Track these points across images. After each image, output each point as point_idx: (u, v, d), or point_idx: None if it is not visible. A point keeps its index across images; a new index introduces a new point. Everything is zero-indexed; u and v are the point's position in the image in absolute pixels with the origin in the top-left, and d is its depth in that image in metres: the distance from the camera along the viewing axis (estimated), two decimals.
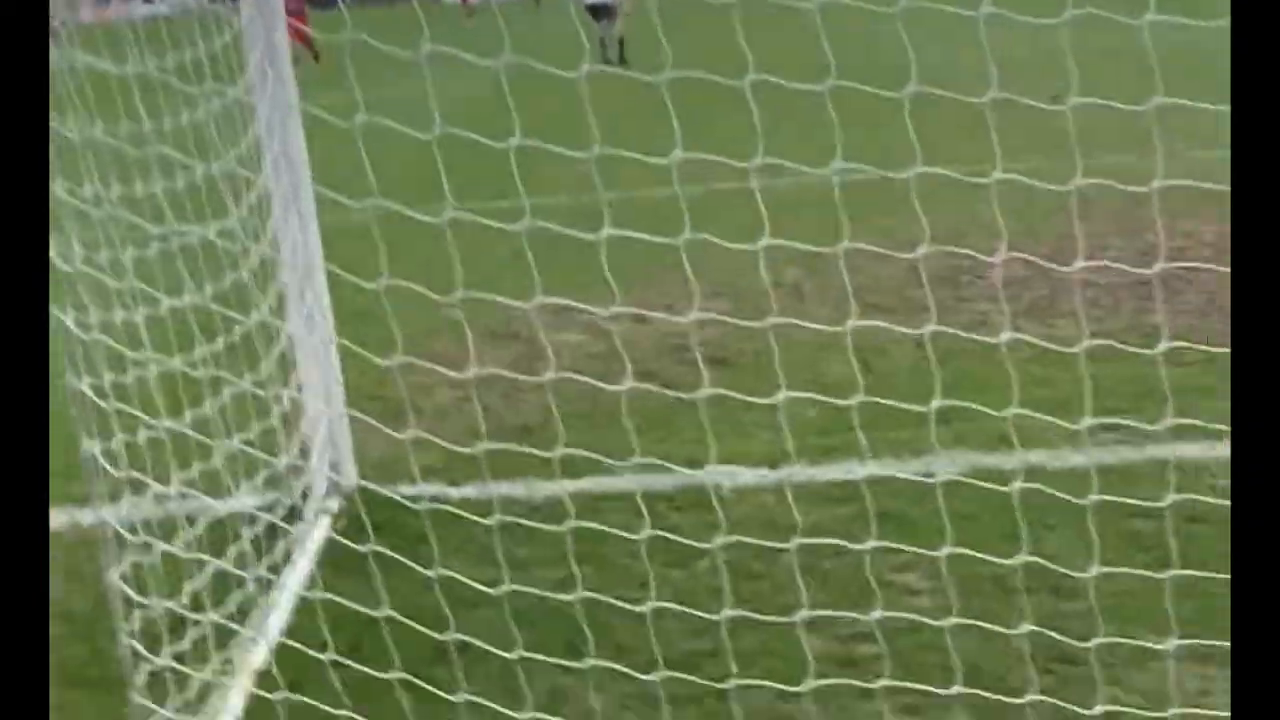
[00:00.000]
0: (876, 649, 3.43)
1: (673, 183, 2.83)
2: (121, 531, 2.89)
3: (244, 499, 3.80)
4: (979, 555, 3.42)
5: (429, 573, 3.50)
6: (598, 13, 21.32)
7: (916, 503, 4.12)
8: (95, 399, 2.85)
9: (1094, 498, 3.11)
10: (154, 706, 2.96)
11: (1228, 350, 2.38)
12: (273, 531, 3.96)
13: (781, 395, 3.88)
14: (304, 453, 4.36)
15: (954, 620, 3.16)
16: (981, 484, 3.68)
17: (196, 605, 3.15)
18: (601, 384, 4.27)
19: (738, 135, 3.28)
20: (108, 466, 2.88)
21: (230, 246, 3.83)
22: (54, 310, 2.70)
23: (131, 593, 2.91)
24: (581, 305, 7.16)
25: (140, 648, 2.95)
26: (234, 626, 3.39)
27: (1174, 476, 4.31)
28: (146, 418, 3.13)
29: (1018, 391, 5.09)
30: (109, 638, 4.00)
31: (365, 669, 3.33)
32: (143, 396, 3.12)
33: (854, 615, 3.47)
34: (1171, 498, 3.46)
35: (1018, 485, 3.36)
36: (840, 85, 2.94)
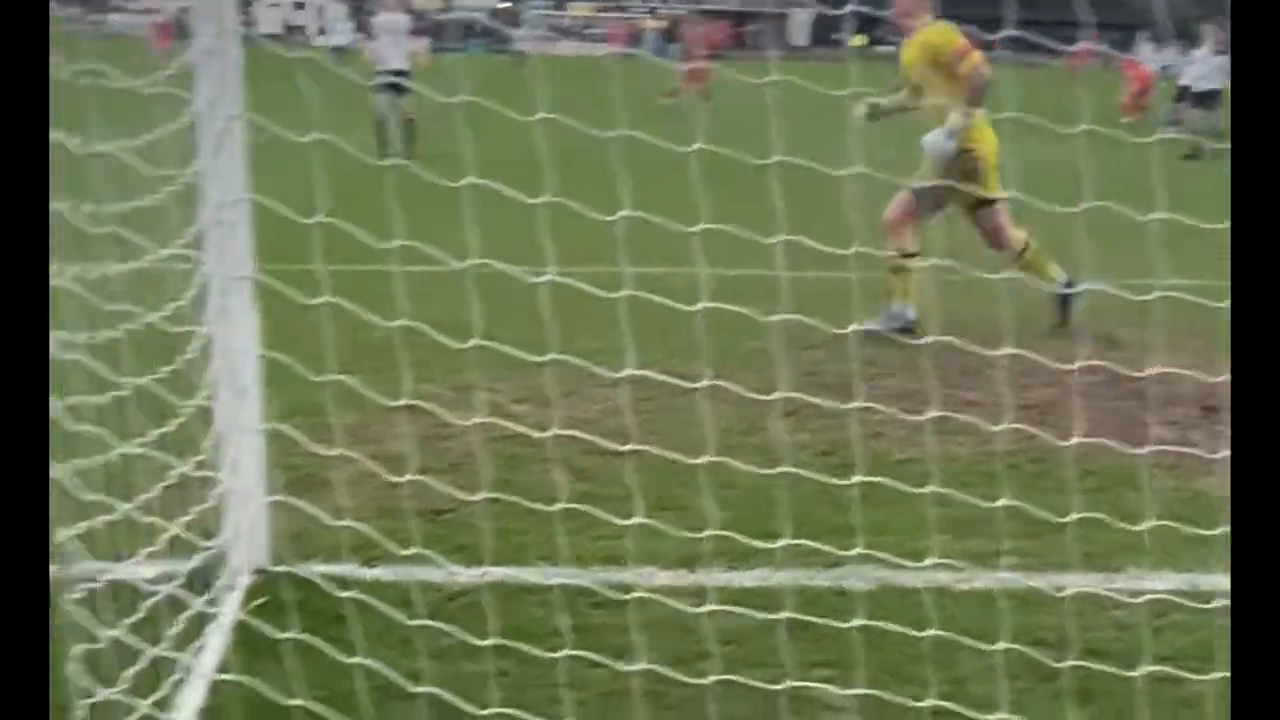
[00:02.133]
0: None
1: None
2: (78, 617, 2.82)
3: (158, 572, 3.73)
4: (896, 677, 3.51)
5: (350, 661, 3.47)
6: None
7: (833, 614, 4.22)
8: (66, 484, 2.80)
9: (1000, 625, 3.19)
10: None
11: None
12: (184, 609, 3.89)
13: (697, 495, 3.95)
14: (215, 529, 4.29)
15: None
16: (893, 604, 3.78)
17: (134, 690, 3.08)
18: (510, 476, 4.28)
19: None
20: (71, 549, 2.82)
21: (173, 330, 3.81)
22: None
23: (84, 683, 2.84)
24: (489, 387, 7.19)
25: None
26: (160, 717, 3.32)
27: (1074, 606, 4.51)
28: (105, 497, 3.08)
29: (925, 509, 5.28)
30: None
31: None
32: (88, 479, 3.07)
33: None
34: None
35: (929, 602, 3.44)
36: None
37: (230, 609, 4.27)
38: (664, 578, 4.67)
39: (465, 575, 4.67)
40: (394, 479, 4.32)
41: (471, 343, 3.55)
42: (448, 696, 3.50)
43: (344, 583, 4.30)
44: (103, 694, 2.92)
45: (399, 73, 18.26)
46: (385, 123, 18.62)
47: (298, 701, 3.50)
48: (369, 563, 4.78)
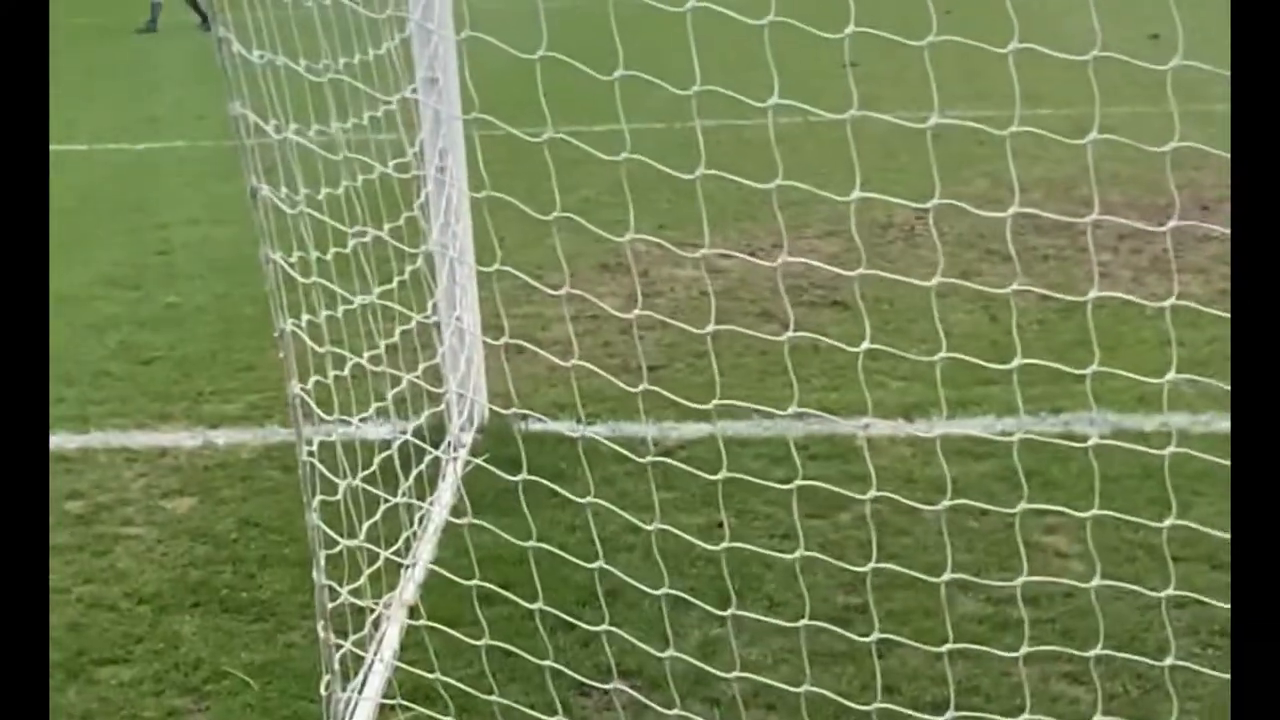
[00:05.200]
0: (1032, 613, 3.42)
1: (769, 117, 2.71)
2: (323, 470, 2.91)
3: (391, 429, 3.82)
4: (1128, 519, 3.38)
5: (580, 500, 3.49)
6: None
7: (1058, 462, 4.08)
8: (307, 339, 2.87)
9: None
10: (341, 642, 3.00)
11: None
12: (413, 465, 3.98)
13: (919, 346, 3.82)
14: (442, 383, 4.37)
15: (1106, 584, 3.12)
16: (1125, 445, 3.62)
17: (371, 538, 3.18)
18: (729, 326, 4.20)
19: (828, 71, 3.17)
20: (312, 404, 2.90)
21: (402, 180, 3.83)
22: (274, 253, 2.71)
23: (329, 531, 2.94)
24: (693, 241, 7.14)
25: (335, 585, 2.99)
26: (399, 560, 3.43)
27: None
28: (347, 353, 3.17)
29: (1152, 351, 5.06)
30: (256, 564, 4.08)
31: (517, 604, 3.35)
32: (332, 333, 3.15)
33: (1004, 581, 3.46)
34: None
35: (1170, 450, 3.27)
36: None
37: (455, 465, 4.37)
38: (882, 428, 4.59)
39: (679, 430, 4.68)
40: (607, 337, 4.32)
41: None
42: (666, 547, 3.51)
43: (563, 438, 4.35)
44: (344, 543, 3.02)
45: None
46: None
47: (529, 544, 3.55)
48: (585, 420, 4.82)
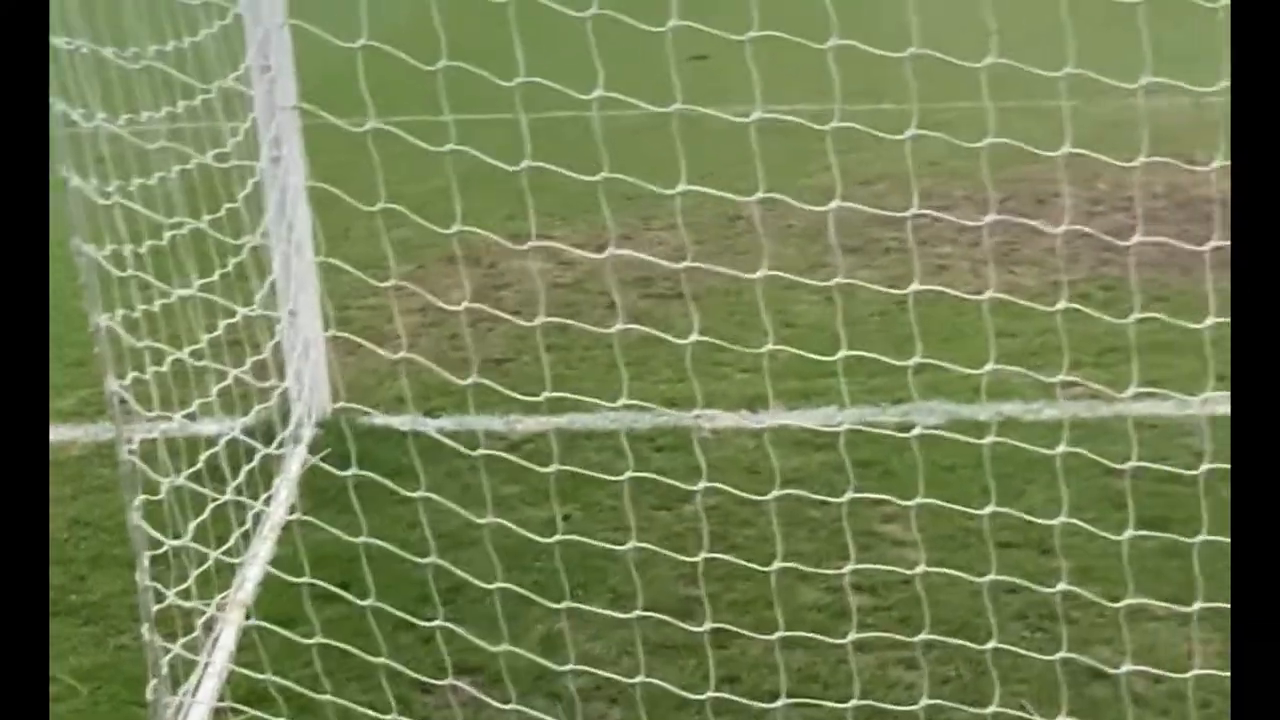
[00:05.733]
0: (869, 600, 3.49)
1: (608, 108, 2.71)
2: (145, 469, 2.82)
3: (228, 425, 3.73)
4: (962, 509, 3.45)
5: (424, 495, 3.45)
6: None
7: (896, 451, 4.16)
8: (123, 332, 2.78)
9: (1064, 450, 3.11)
10: (169, 645, 2.92)
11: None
12: (248, 460, 3.89)
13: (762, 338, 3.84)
14: (281, 377, 4.28)
15: (938, 570, 3.19)
16: (959, 437, 3.70)
17: (201, 538, 3.10)
18: (575, 322, 4.22)
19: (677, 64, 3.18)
20: (130, 400, 2.81)
21: (224, 170, 3.72)
22: (87, 246, 2.62)
23: (153, 532, 2.85)
24: (544, 232, 7.11)
25: (161, 587, 2.90)
26: (231, 560, 3.35)
27: (1147, 435, 4.42)
28: (168, 348, 3.07)
29: (987, 342, 5.18)
30: (87, 564, 3.95)
31: (356, 604, 3.30)
32: (154, 327, 3.05)
33: (845, 568, 3.52)
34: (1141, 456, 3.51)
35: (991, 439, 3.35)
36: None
37: (295, 460, 4.29)
38: (727, 419, 4.63)
39: (526, 423, 4.65)
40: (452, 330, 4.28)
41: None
42: (510, 542, 3.49)
43: (405, 434, 4.29)
44: (169, 544, 2.93)
45: None
46: None
47: (365, 541, 3.49)
48: (430, 413, 4.78)
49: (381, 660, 3.02)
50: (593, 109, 2.62)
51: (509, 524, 3.20)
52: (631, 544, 2.93)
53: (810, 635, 3.20)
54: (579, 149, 2.96)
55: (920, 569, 3.05)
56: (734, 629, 3.18)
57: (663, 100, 2.84)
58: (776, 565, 2.91)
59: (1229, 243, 2.40)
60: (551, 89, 2.77)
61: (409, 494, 3.16)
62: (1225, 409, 4.65)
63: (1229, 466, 3.43)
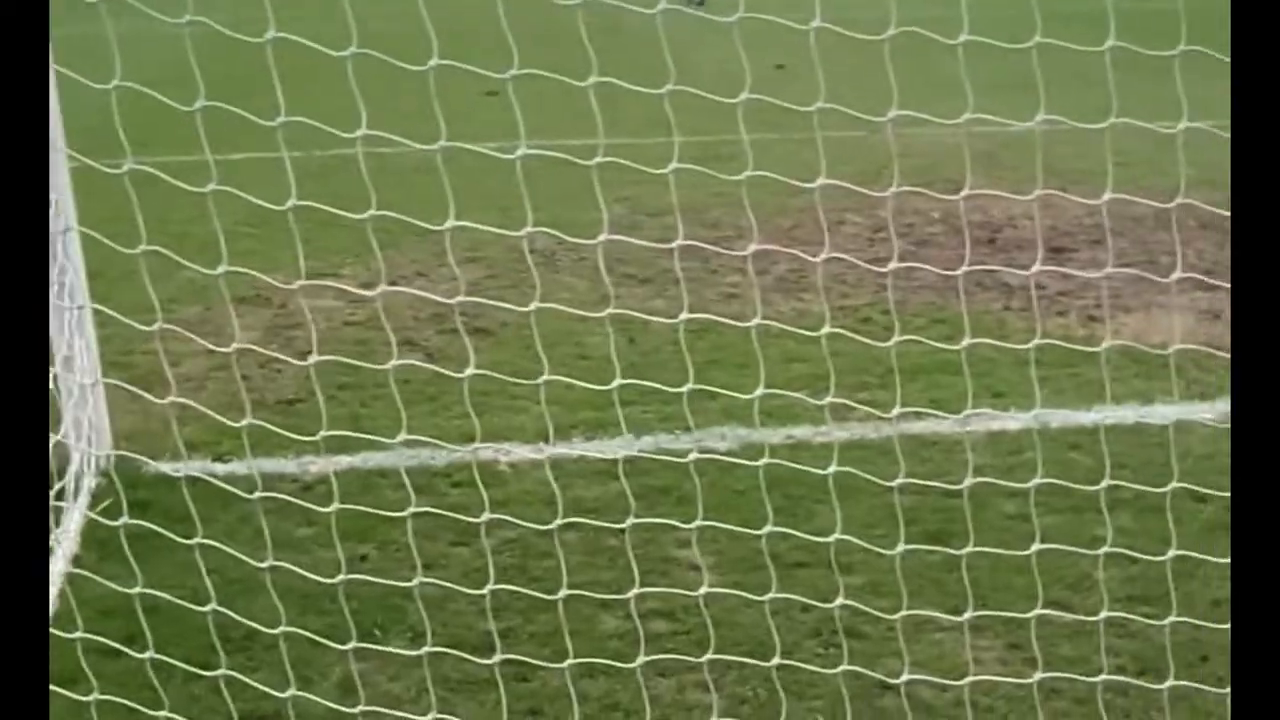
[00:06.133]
0: (667, 625, 3.53)
1: (399, 141, 2.73)
2: None
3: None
4: (755, 531, 3.52)
5: (201, 542, 3.36)
6: None
7: (689, 477, 4.22)
8: None
9: (835, 469, 3.21)
10: None
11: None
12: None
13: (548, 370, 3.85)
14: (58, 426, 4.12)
15: (740, 595, 3.26)
16: (749, 463, 3.77)
17: None
18: (363, 363, 4.16)
19: (470, 99, 3.21)
20: None
21: None
22: None
23: None
24: (335, 270, 7.01)
25: None
26: None
27: (931, 452, 4.59)
28: None
29: (777, 367, 5.31)
30: None
31: (144, 657, 3.20)
32: None
33: (645, 591, 3.57)
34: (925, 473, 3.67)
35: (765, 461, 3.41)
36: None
37: (75, 512, 4.13)
38: (524, 452, 4.63)
39: (319, 464, 4.58)
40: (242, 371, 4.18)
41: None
42: (306, 585, 3.42)
43: (194, 479, 4.18)
44: None
45: None
46: None
47: (142, 592, 3.39)
48: (219, 458, 4.66)
49: (164, 714, 2.93)
50: (356, 146, 2.60)
51: (291, 566, 3.14)
52: (418, 579, 2.90)
53: (611, 663, 3.22)
54: (371, 184, 2.95)
55: (704, 590, 3.10)
56: (533, 661, 3.18)
57: (458, 135, 2.85)
58: (564, 594, 2.92)
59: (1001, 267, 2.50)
60: (336, 124, 2.75)
61: (193, 541, 3.07)
62: (998, 425, 4.87)
63: (997, 481, 3.59)
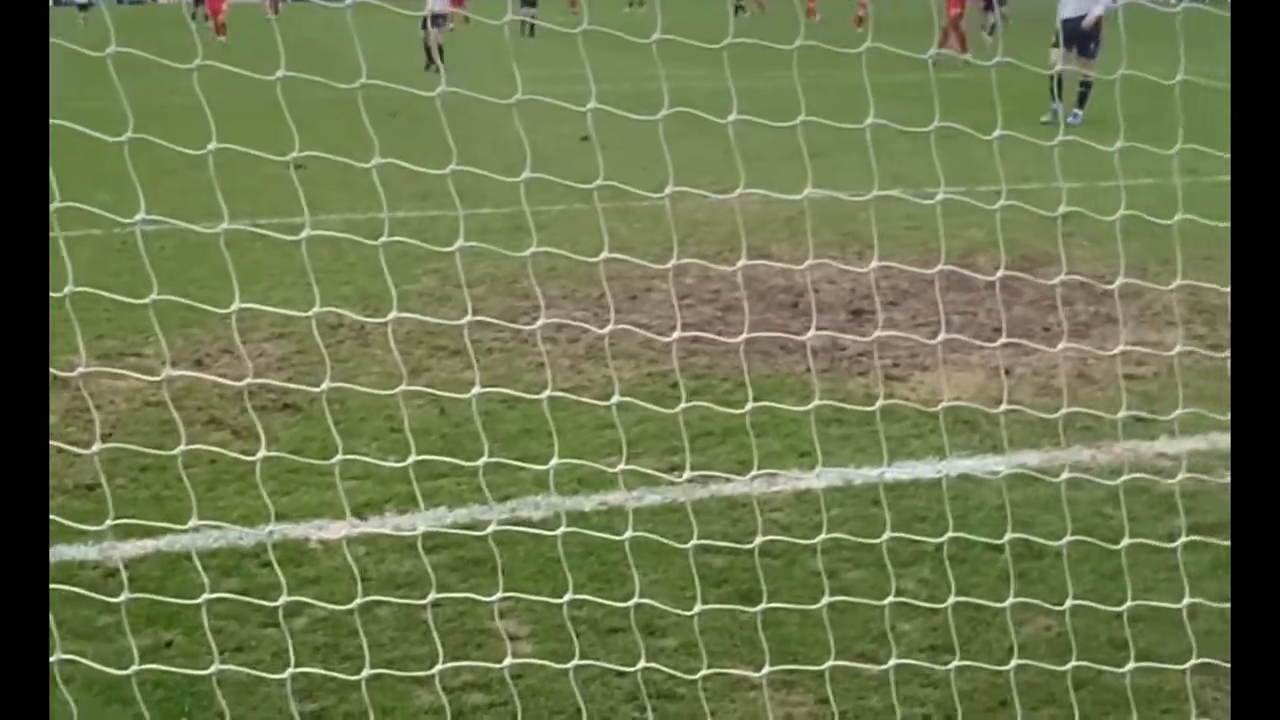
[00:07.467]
0: (484, 698, 3.52)
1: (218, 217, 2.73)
2: None
3: None
4: (564, 600, 3.55)
5: None
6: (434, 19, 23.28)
7: (506, 547, 4.23)
8: None
9: (631, 535, 3.26)
10: None
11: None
12: None
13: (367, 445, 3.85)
14: None
15: (557, 665, 3.28)
16: (555, 533, 3.81)
17: None
18: (159, 450, 4.05)
19: (275, 174, 3.24)
20: None
21: None
22: None
23: None
24: (134, 351, 6.83)
25: None
26: None
27: (740, 513, 4.68)
28: None
29: (589, 434, 5.37)
30: None
31: None
32: None
33: (460, 665, 3.55)
34: (738, 533, 3.74)
35: (556, 531, 3.49)
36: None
37: None
38: (336, 529, 4.57)
39: (122, 548, 4.44)
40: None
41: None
42: (107, 677, 3.32)
43: None
44: None
45: None
46: None
47: None
48: None
49: None
50: (136, 228, 2.57)
51: (89, 662, 3.04)
52: (215, 667, 2.84)
53: None
54: (170, 262, 2.91)
55: (508, 661, 3.09)
56: None
57: (265, 210, 2.83)
58: (373, 672, 2.89)
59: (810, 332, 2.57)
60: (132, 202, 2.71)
61: None
62: (803, 484, 4.99)
63: (799, 541, 3.68)
